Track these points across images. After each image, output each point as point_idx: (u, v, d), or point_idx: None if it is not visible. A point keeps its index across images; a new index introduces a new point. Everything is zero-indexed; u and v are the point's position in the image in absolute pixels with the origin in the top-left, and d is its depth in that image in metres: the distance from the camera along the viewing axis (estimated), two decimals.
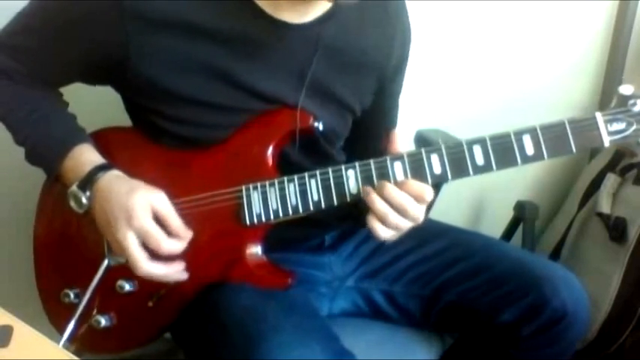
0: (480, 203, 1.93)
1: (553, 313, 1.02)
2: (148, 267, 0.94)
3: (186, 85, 0.96)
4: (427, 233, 1.15)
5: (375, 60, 1.08)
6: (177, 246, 0.96)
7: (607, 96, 1.87)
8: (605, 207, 1.65)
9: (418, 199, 0.91)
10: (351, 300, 1.17)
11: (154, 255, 0.95)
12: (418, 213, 0.92)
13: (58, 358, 0.73)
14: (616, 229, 1.60)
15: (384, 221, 0.91)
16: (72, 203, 0.98)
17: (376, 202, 0.91)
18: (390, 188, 0.91)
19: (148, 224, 0.93)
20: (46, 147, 1.01)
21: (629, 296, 1.59)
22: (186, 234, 0.97)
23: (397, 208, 0.91)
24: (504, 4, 1.70)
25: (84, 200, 0.96)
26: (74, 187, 0.97)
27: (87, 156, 0.99)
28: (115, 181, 0.97)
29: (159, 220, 0.95)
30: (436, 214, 1.40)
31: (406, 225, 0.93)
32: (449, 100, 1.75)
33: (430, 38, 1.60)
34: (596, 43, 1.86)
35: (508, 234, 1.78)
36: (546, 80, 1.83)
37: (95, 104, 1.11)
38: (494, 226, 1.84)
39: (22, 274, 1.13)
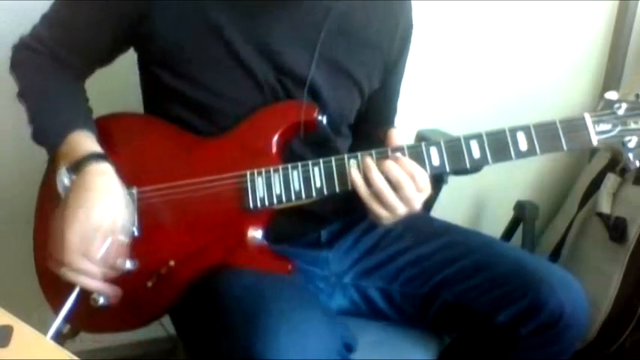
0: (480, 203, 1.93)
1: (550, 314, 1.02)
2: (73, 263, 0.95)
3: (201, 43, 1.00)
4: (425, 232, 1.16)
5: (380, 44, 1.12)
6: (88, 283, 0.96)
7: None
8: (605, 207, 1.65)
9: (411, 177, 0.94)
10: (348, 297, 1.17)
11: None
12: (413, 194, 0.95)
13: (58, 358, 0.73)
14: (616, 229, 1.60)
15: (380, 197, 0.94)
16: (57, 183, 0.98)
17: (375, 176, 0.94)
18: (388, 163, 0.95)
19: (87, 229, 0.93)
20: (51, 125, 1.03)
21: (629, 296, 1.60)
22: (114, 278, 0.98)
23: (393, 184, 0.94)
24: (504, 5, 1.70)
25: (66, 181, 0.97)
26: (63, 168, 0.98)
27: (84, 143, 1.00)
28: (99, 174, 0.97)
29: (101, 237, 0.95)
30: (436, 214, 1.40)
31: (400, 206, 0.95)
32: (449, 100, 1.75)
33: (431, 39, 1.60)
34: (596, 43, 1.86)
35: (508, 234, 1.78)
36: (546, 80, 1.83)
37: (107, 98, 1.12)
38: (494, 226, 1.84)
39: (22, 274, 1.13)
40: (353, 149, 1.18)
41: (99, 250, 0.95)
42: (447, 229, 1.18)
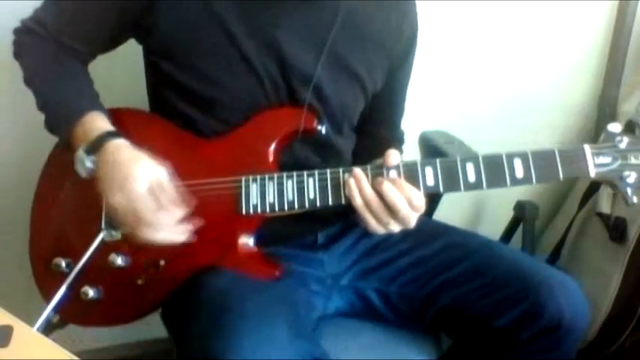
0: (480, 203, 1.93)
1: (550, 319, 1.01)
2: (147, 231, 0.96)
3: (203, 34, 1.01)
4: (423, 234, 1.15)
5: (384, 42, 1.12)
6: (160, 220, 0.96)
7: (607, 96, 1.87)
8: (605, 207, 1.65)
9: (408, 201, 0.94)
10: (346, 299, 1.17)
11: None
12: (408, 214, 0.95)
13: (58, 358, 0.73)
14: (616, 229, 1.60)
15: (370, 208, 0.95)
16: (77, 167, 1.00)
17: (365, 186, 0.95)
18: (385, 185, 0.94)
19: (137, 194, 0.95)
20: (60, 112, 1.04)
21: (629, 296, 1.59)
22: (175, 212, 0.97)
23: (389, 206, 0.94)
24: (504, 5, 1.70)
25: (87, 164, 0.98)
26: (80, 151, 0.99)
27: (98, 123, 1.02)
28: (120, 148, 0.99)
29: (154, 193, 0.96)
30: (436, 214, 1.40)
31: (393, 223, 0.96)
32: (452, 101, 1.75)
33: (433, 40, 1.60)
34: (596, 43, 1.86)
35: (508, 234, 1.78)
36: (547, 81, 1.83)
37: (112, 93, 1.12)
38: (494, 226, 1.84)
39: (22, 273, 1.14)
40: (358, 150, 1.19)
41: (142, 211, 0.95)
42: (446, 231, 1.18)
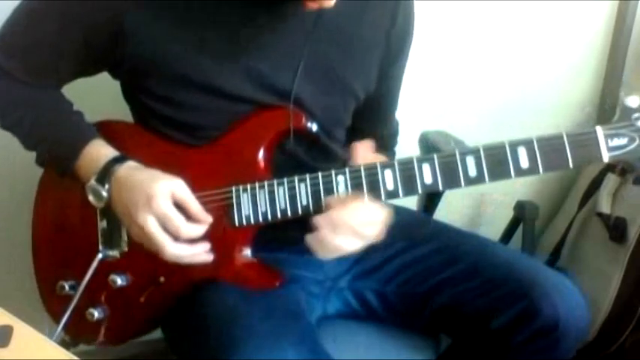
0: (480, 203, 1.92)
1: (545, 320, 1.00)
2: (173, 249, 0.95)
3: (179, 62, 0.97)
4: (421, 234, 1.15)
5: (377, 38, 1.08)
6: (196, 230, 0.96)
7: (607, 96, 1.87)
8: (605, 207, 1.65)
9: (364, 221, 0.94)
10: (344, 301, 1.17)
11: (176, 239, 0.95)
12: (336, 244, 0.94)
13: (58, 358, 0.73)
14: (616, 229, 1.60)
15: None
16: (91, 197, 0.98)
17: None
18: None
19: (168, 208, 0.94)
20: (60, 149, 1.02)
21: (629, 296, 1.59)
22: (206, 218, 0.97)
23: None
24: (505, 5, 1.70)
25: (103, 193, 0.97)
26: (92, 182, 0.97)
27: (101, 151, 1.00)
28: (132, 171, 0.98)
29: (178, 206, 0.95)
30: (436, 214, 1.40)
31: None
32: (452, 101, 1.75)
33: (433, 40, 1.60)
34: (596, 44, 1.86)
35: (508, 234, 1.78)
36: (547, 81, 1.83)
37: (94, 106, 1.11)
38: (494, 226, 1.84)
39: (22, 273, 1.14)
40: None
41: (177, 221, 0.94)
42: (442, 231, 1.18)
